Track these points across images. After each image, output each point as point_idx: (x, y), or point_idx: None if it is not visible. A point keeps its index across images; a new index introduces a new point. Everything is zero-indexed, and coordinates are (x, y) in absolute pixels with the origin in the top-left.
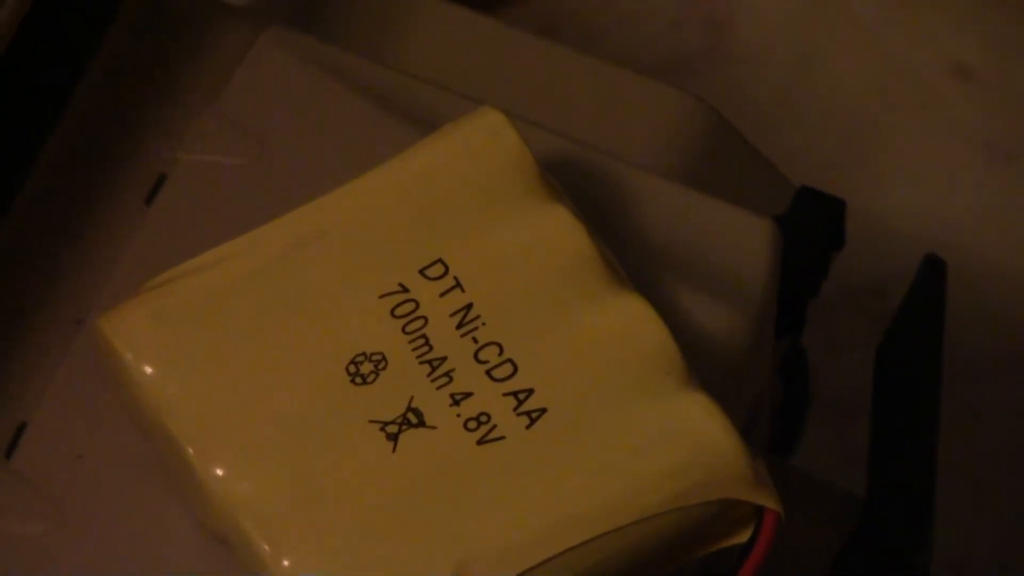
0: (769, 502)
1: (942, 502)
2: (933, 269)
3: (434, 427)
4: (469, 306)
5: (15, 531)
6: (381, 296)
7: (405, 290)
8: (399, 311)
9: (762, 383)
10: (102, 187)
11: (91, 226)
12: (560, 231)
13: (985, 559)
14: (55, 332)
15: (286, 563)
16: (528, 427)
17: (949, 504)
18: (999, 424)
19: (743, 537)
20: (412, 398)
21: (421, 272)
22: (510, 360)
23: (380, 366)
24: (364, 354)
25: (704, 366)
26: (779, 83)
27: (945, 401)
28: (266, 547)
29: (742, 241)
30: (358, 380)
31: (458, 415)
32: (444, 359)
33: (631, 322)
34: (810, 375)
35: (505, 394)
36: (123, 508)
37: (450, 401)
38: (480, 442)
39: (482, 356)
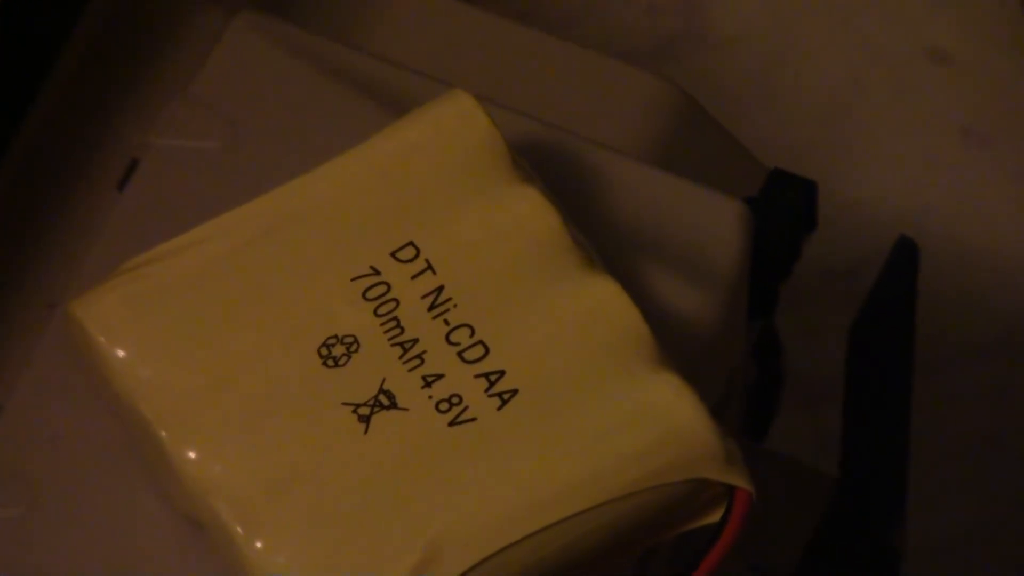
0: (740, 482)
1: (916, 486)
2: (905, 251)
3: (406, 409)
4: (440, 288)
5: None
6: (353, 279)
7: (376, 273)
8: (371, 294)
9: (734, 364)
10: (74, 173)
11: (63, 212)
12: (531, 213)
13: (959, 541)
14: (28, 317)
15: (259, 545)
16: (499, 408)
17: (923, 487)
18: (972, 410)
19: (715, 517)
20: (384, 380)
21: (392, 255)
22: (481, 342)
23: (352, 348)
24: (336, 337)
25: (676, 347)
26: (754, 68)
27: (919, 386)
28: (239, 529)
29: (713, 222)
30: (330, 363)
31: (430, 397)
32: (416, 341)
33: (602, 303)
34: (783, 357)
35: (476, 376)
36: (97, 491)
37: (422, 383)
38: (452, 423)
39: (453, 338)
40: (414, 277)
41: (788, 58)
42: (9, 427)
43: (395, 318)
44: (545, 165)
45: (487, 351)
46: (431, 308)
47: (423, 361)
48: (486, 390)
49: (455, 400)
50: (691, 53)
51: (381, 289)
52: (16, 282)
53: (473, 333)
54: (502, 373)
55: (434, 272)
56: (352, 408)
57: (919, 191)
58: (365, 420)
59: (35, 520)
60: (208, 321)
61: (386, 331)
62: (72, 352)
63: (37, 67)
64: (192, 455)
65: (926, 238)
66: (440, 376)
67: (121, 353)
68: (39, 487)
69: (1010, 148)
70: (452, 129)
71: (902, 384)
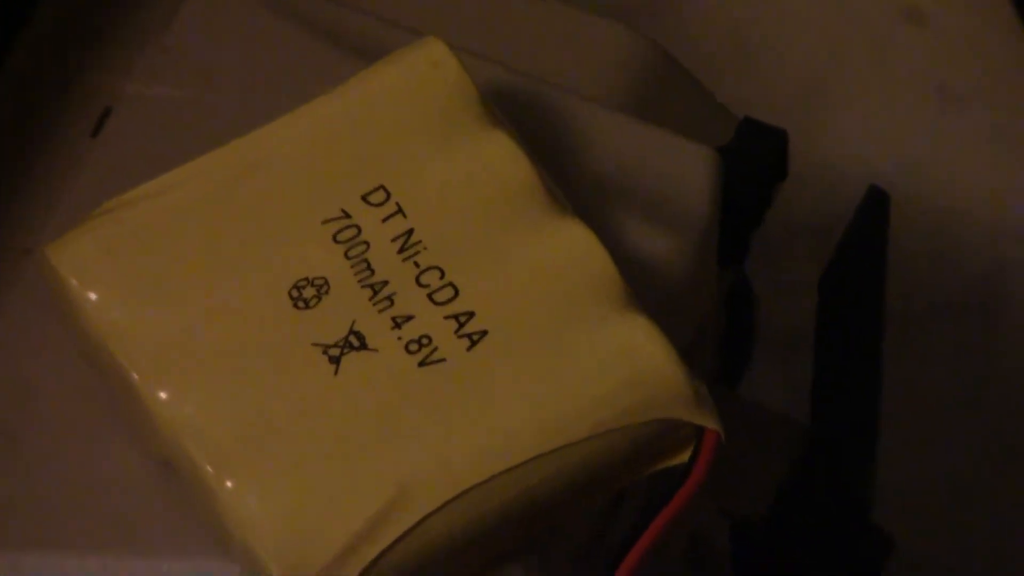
0: (708, 422)
1: (885, 437)
2: (876, 200)
3: (376, 350)
4: (410, 231)
5: None
6: (323, 222)
7: (347, 216)
8: (341, 236)
9: (705, 309)
10: (48, 120)
11: (38, 158)
12: (502, 158)
13: (928, 493)
14: (2, 262)
15: (229, 485)
16: (469, 349)
17: (892, 439)
18: (942, 365)
19: (684, 457)
20: (354, 322)
21: (363, 198)
22: (451, 284)
23: (323, 290)
24: (307, 279)
25: (646, 291)
26: (731, 29)
27: (890, 340)
28: (209, 469)
29: (684, 169)
30: (301, 304)
31: (399, 338)
32: (386, 283)
33: (572, 247)
34: (755, 305)
35: (446, 317)
36: (70, 435)
37: (392, 324)
38: (422, 364)
39: (423, 280)
40: (384, 220)
41: (765, 18)
42: None
43: (365, 260)
44: (517, 112)
45: (456, 293)
46: (401, 251)
47: (393, 303)
48: (455, 331)
49: (424, 341)
50: (668, 12)
51: (352, 232)
52: None
53: (443, 275)
54: (471, 314)
55: (404, 215)
56: (322, 349)
57: (894, 150)
58: (335, 361)
59: (7, 462)
60: (181, 264)
61: (356, 273)
62: (47, 297)
63: (12, 17)
64: (163, 396)
65: (900, 195)
66: (410, 317)
67: (94, 296)
68: (12, 432)
69: (985, 107)
70: (423, 75)
71: (873, 335)
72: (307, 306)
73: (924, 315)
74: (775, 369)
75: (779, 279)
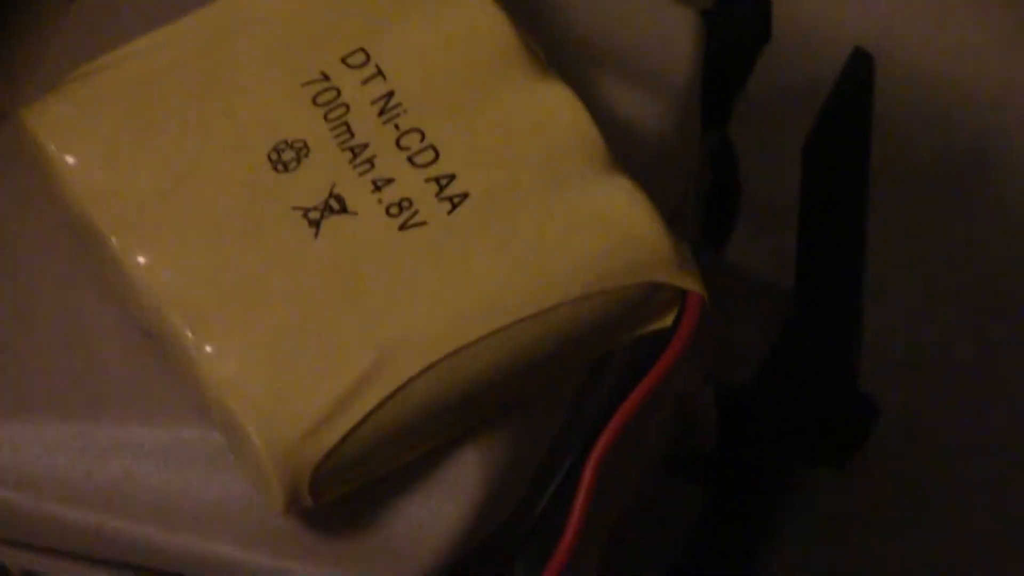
0: (692, 285)
1: (871, 301)
2: (860, 63)
3: (356, 213)
4: (391, 94)
5: None
6: (303, 84)
7: (326, 78)
8: (321, 99)
9: (688, 172)
10: None
11: (14, 24)
12: (481, 19)
13: (912, 361)
14: None
15: (209, 350)
16: (450, 212)
17: (879, 304)
18: (928, 226)
19: (667, 321)
20: (334, 184)
21: (343, 61)
22: (432, 147)
23: (302, 153)
24: (286, 141)
25: (629, 154)
26: None
27: (874, 204)
28: (189, 334)
29: (666, 32)
30: (280, 167)
31: (380, 201)
32: (366, 146)
33: (554, 109)
34: (739, 167)
35: (427, 180)
36: (52, 303)
37: (372, 187)
38: (402, 227)
39: (404, 143)
40: (364, 82)
41: None
42: None
43: (345, 123)
44: None
45: (437, 155)
46: (381, 113)
47: (373, 166)
48: (436, 194)
49: (405, 204)
50: None
51: (331, 95)
52: None
53: (423, 138)
54: (452, 177)
55: (384, 78)
56: (302, 212)
57: (879, 15)
58: (315, 224)
59: None
60: (159, 127)
61: (336, 136)
62: (24, 161)
63: None
64: (142, 261)
65: (885, 60)
66: (390, 180)
67: (71, 159)
68: None
69: None
70: None
71: (857, 199)
72: (286, 169)
73: (908, 178)
74: (760, 237)
75: (763, 144)
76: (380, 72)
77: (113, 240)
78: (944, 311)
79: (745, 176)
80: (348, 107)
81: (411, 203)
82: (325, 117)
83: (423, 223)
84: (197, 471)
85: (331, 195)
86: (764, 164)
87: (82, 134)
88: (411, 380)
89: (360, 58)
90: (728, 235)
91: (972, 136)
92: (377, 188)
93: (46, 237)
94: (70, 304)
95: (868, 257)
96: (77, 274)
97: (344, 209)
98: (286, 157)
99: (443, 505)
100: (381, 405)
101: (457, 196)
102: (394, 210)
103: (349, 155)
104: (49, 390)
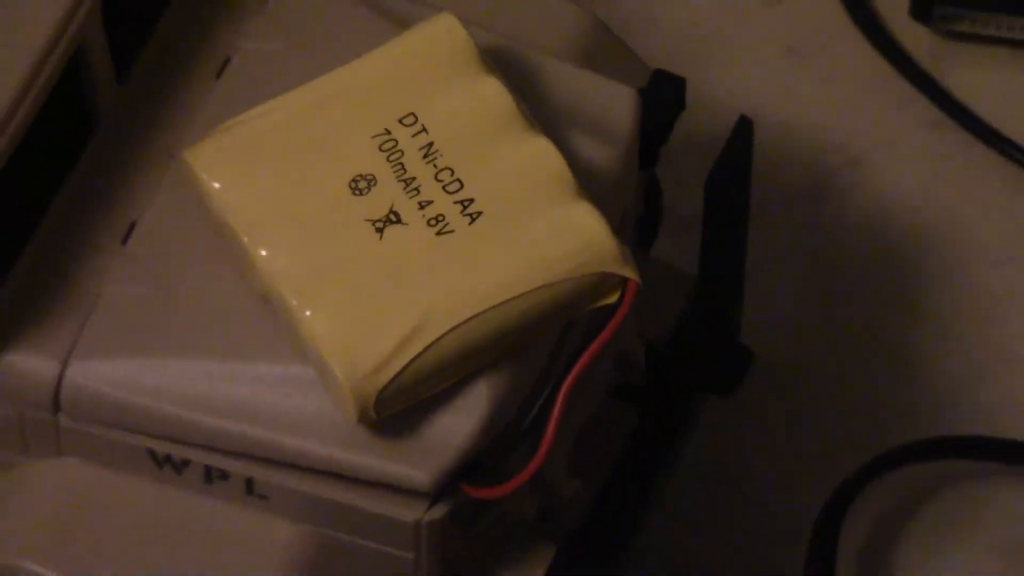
0: (631, 274)
1: (749, 285)
2: (744, 126)
3: (407, 224)
4: (431, 143)
5: (127, 292)
6: (372, 137)
7: (388, 133)
8: (385, 147)
9: (629, 198)
10: (187, 67)
11: (182, 90)
12: (494, 94)
13: (779, 315)
14: (156, 163)
15: (307, 313)
16: (470, 224)
17: (753, 286)
18: (788, 237)
19: (614, 298)
20: (392, 204)
21: (399, 121)
22: (458, 179)
23: (372, 183)
24: (361, 175)
25: (589, 186)
26: (642, 6)
27: (753, 221)
28: (294, 303)
29: (616, 102)
30: (357, 192)
31: (423, 216)
32: (414, 178)
33: (540, 154)
34: (662, 197)
35: (455, 202)
36: (202, 279)
37: (418, 206)
38: (438, 233)
39: (440, 176)
40: (414, 136)
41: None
42: (144, 236)
43: (401, 163)
44: (499, 62)
45: (462, 185)
46: (425, 156)
47: (419, 191)
48: (461, 212)
49: (440, 218)
50: (605, 5)
51: (392, 144)
52: (147, 140)
53: (453, 173)
54: (472, 200)
55: (427, 132)
56: (372, 223)
57: (754, 93)
58: (380, 230)
59: (160, 299)
60: (277, 162)
61: (394, 171)
62: (187, 185)
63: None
64: (264, 253)
65: (760, 121)
66: (431, 202)
67: (216, 184)
68: (163, 277)
69: (820, 59)
70: (441, 37)
71: (741, 218)
72: (361, 193)
73: (774, 204)
74: (675, 241)
75: (678, 178)
76: (424, 129)
77: (244, 239)
78: (800, 287)
79: (666, 200)
80: (403, 152)
81: (444, 217)
82: (387, 159)
83: (452, 231)
84: (298, 394)
85: (391, 211)
86: (678, 192)
87: (224, 167)
88: (442, 336)
89: (411, 119)
90: (653, 240)
91: (816, 174)
92: (421, 207)
93: (203, 237)
94: (216, 280)
95: (747, 256)
96: (221, 261)
97: (399, 221)
98: (361, 185)
99: (461, 417)
100: (422, 352)
101: (475, 213)
102: (433, 222)
103: (403, 185)
104: (200, 337)
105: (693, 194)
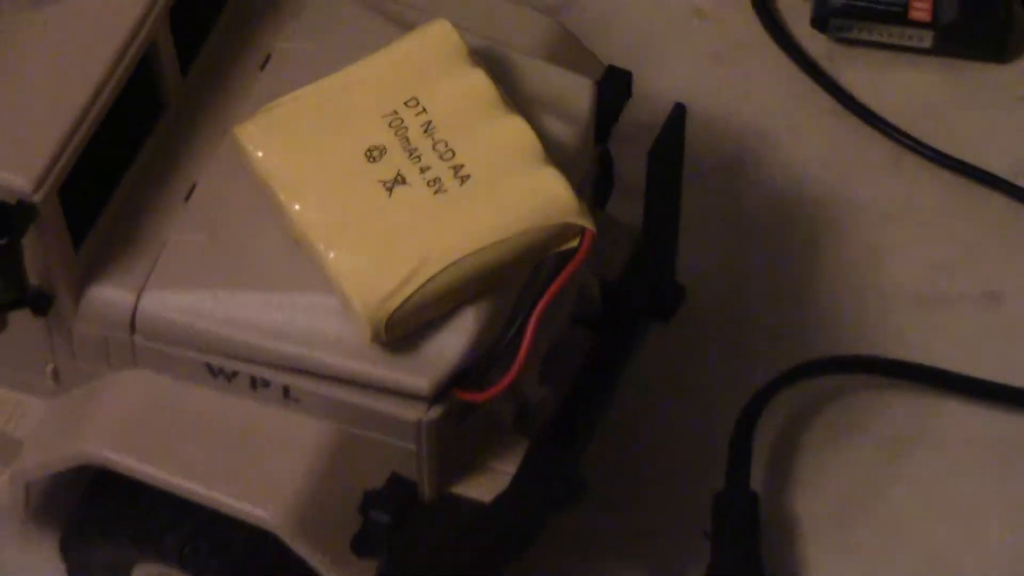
0: (588, 224)
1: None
2: (678, 110)
3: (411, 185)
4: (431, 121)
5: (188, 238)
6: (383, 116)
7: (396, 113)
8: (393, 124)
9: (587, 166)
10: (236, 62)
11: (231, 81)
12: (480, 83)
13: (706, 265)
14: (212, 138)
15: (331, 255)
16: (461, 185)
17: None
18: (715, 197)
19: (574, 244)
20: (399, 169)
21: (405, 103)
22: (452, 150)
23: (383, 153)
24: (375, 146)
25: (555, 156)
26: (601, 15)
27: (686, 185)
28: (321, 247)
29: (577, 91)
30: (371, 160)
31: (424, 178)
32: (417, 149)
33: (517, 131)
34: (613, 166)
35: (449, 167)
36: (249, 227)
37: (420, 171)
38: (435, 192)
39: (437, 147)
40: (417, 115)
41: (612, 9)
42: (202, 194)
43: (406, 137)
44: (484, 59)
45: (455, 155)
46: (425, 132)
47: (421, 159)
48: (454, 175)
49: (437, 180)
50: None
51: (399, 121)
52: (205, 119)
53: (447, 145)
54: (463, 166)
55: (427, 113)
56: (383, 184)
57: (687, 86)
58: (389, 190)
59: (214, 244)
60: (309, 136)
61: (401, 143)
62: (235, 155)
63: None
64: (297, 207)
65: (690, 109)
66: (429, 167)
67: (260, 153)
68: (218, 227)
69: (740, 60)
70: (438, 38)
71: (676, 183)
72: (375, 160)
73: (702, 174)
74: (624, 202)
75: (627, 154)
76: (425, 110)
77: (281, 196)
78: (728, 238)
79: (617, 170)
80: (408, 128)
81: (440, 180)
82: (395, 134)
83: (446, 191)
84: (324, 318)
85: (398, 175)
86: (627, 164)
87: (266, 140)
88: (438, 272)
89: (415, 102)
90: (607, 201)
91: (734, 148)
92: (422, 172)
93: (249, 195)
94: (259, 229)
95: (681, 212)
96: (263, 214)
97: (405, 182)
98: (375, 154)
99: (454, 337)
100: (422, 285)
101: (465, 176)
102: (431, 183)
103: (408, 154)
104: (247, 274)
105: (638, 165)
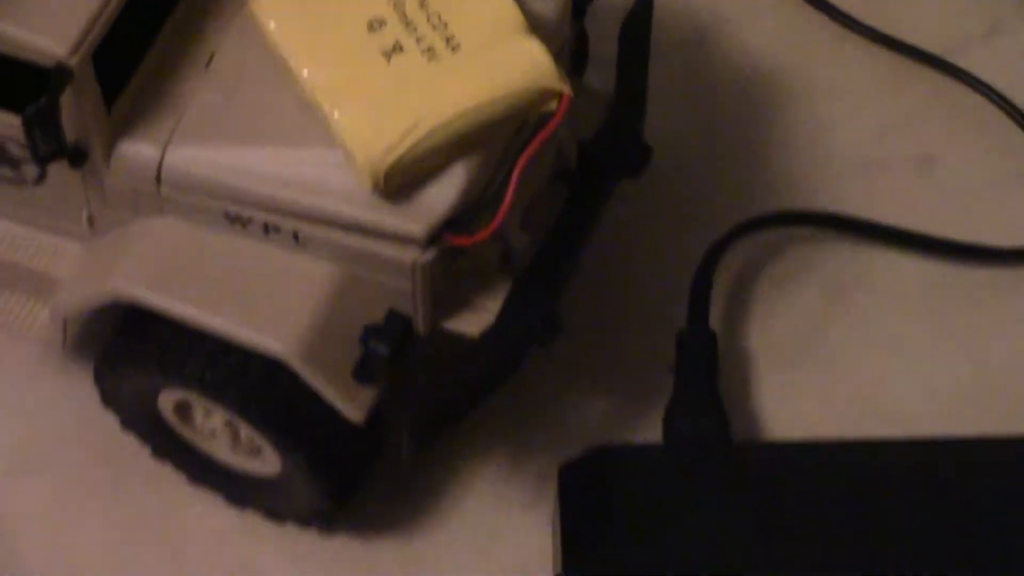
0: (565, 89)
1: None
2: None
3: (408, 52)
4: None
5: (209, 99)
6: None
7: None
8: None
9: (565, 39)
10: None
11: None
12: None
13: (671, 128)
14: (228, 11)
15: (336, 115)
16: (453, 53)
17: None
18: (680, 81)
19: (553, 106)
20: (398, 38)
21: None
22: (444, 22)
23: (383, 24)
24: (376, 18)
25: (537, 29)
26: None
27: (654, 59)
28: (327, 106)
29: None
30: (372, 30)
31: (419, 47)
32: (413, 20)
33: (503, 6)
34: (588, 41)
35: (442, 37)
36: (264, 89)
37: (416, 41)
38: (429, 60)
39: (431, 20)
40: None
41: None
42: (221, 61)
43: (403, 10)
44: None
45: (447, 26)
46: (421, 5)
47: (416, 30)
48: (446, 44)
49: (431, 48)
50: None
51: None
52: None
53: (440, 17)
54: (454, 36)
55: None
56: (382, 52)
57: None
58: (388, 57)
59: (232, 105)
60: (316, 9)
61: (399, 16)
62: (251, 25)
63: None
64: (306, 72)
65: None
66: (424, 37)
67: (273, 24)
68: (235, 90)
69: None
70: None
71: (644, 58)
72: (375, 31)
73: (669, 49)
74: (599, 73)
75: (601, 32)
76: None
77: (292, 62)
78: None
79: (592, 46)
80: (405, 2)
81: (434, 48)
82: (394, 8)
83: (439, 58)
84: (330, 170)
85: (396, 43)
86: (601, 40)
87: (278, 12)
88: (432, 129)
89: None
90: (583, 71)
91: (697, 31)
92: (418, 41)
93: (263, 62)
94: (273, 92)
95: (649, 82)
96: (276, 78)
97: (402, 50)
98: (375, 25)
99: (445, 187)
100: (418, 141)
101: (456, 45)
102: (426, 51)
103: (405, 25)
104: (261, 131)
105: (611, 42)
